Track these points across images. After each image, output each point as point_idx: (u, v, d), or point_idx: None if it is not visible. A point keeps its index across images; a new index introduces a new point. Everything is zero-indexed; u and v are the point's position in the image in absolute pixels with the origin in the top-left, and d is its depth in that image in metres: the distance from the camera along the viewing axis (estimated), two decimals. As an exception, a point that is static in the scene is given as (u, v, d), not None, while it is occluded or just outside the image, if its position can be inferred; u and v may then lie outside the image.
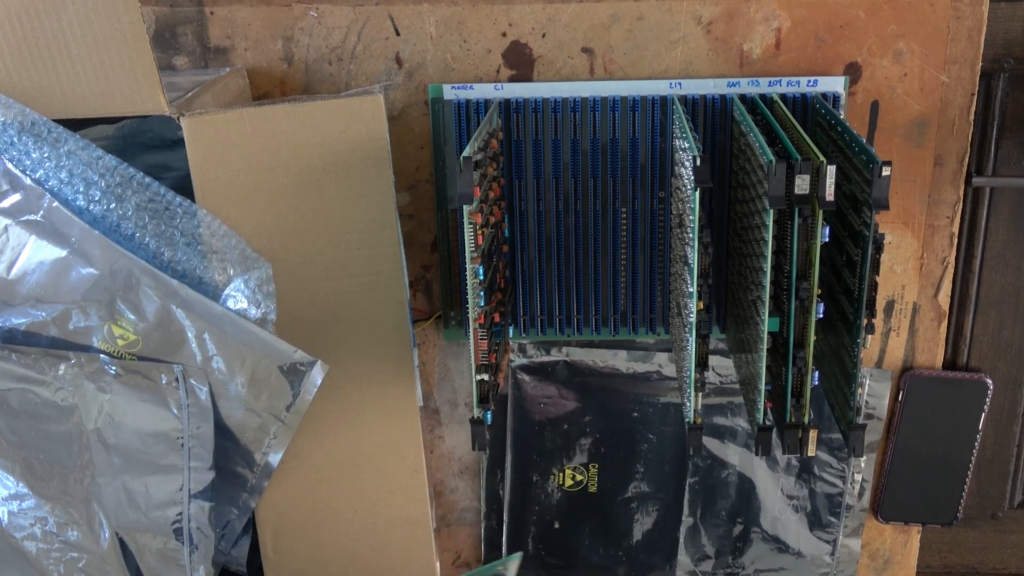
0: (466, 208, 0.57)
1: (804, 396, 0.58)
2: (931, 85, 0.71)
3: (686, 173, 0.59)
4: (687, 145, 0.58)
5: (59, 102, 0.61)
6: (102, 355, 0.64)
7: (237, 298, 0.65)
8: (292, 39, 0.71)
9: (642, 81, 0.71)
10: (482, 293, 0.59)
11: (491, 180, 0.65)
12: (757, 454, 0.59)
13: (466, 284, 0.58)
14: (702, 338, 0.57)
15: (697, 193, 0.55)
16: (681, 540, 0.83)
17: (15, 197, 0.63)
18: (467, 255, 0.58)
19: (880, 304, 0.76)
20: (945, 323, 0.77)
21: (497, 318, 0.63)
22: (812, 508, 0.82)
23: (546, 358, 0.78)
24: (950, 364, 0.80)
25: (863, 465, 0.81)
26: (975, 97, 0.71)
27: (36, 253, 0.64)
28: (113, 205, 0.63)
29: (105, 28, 0.60)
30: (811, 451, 0.58)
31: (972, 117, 0.72)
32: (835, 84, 0.70)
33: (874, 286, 0.56)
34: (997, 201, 0.76)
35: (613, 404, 0.79)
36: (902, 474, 0.80)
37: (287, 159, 0.64)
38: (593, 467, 0.81)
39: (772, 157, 0.54)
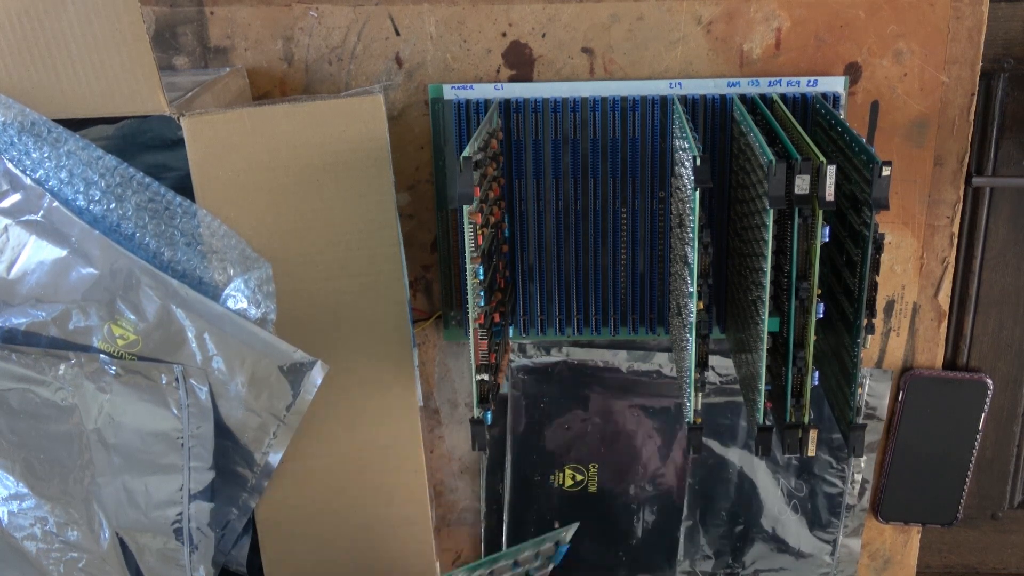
0: (466, 208, 0.57)
1: (804, 396, 0.58)
2: (931, 85, 0.71)
3: (686, 173, 0.59)
4: (687, 145, 0.58)
5: (59, 102, 0.61)
6: (102, 355, 0.64)
7: (237, 298, 0.65)
8: (292, 39, 0.71)
9: (642, 81, 0.71)
10: (482, 293, 0.59)
11: (491, 180, 0.65)
12: (757, 454, 0.59)
13: (466, 284, 0.58)
14: (702, 338, 0.57)
15: (697, 193, 0.55)
16: (681, 540, 0.83)
17: (15, 197, 0.63)
18: (467, 255, 0.58)
19: (880, 304, 0.76)
20: (945, 323, 0.77)
21: (497, 318, 0.63)
22: (812, 508, 0.82)
23: (546, 358, 0.78)
24: (950, 364, 0.80)
25: (863, 465, 0.81)
26: (975, 97, 0.71)
27: (36, 253, 0.64)
28: (113, 205, 0.63)
29: (105, 28, 0.60)
30: (811, 451, 0.58)
31: (972, 117, 0.72)
32: (835, 84, 0.70)
33: (874, 286, 0.56)
34: (997, 201, 0.76)
35: (613, 404, 0.79)
36: (902, 474, 0.80)
37: (287, 159, 0.64)
38: (593, 467, 0.81)
39: (772, 157, 0.54)
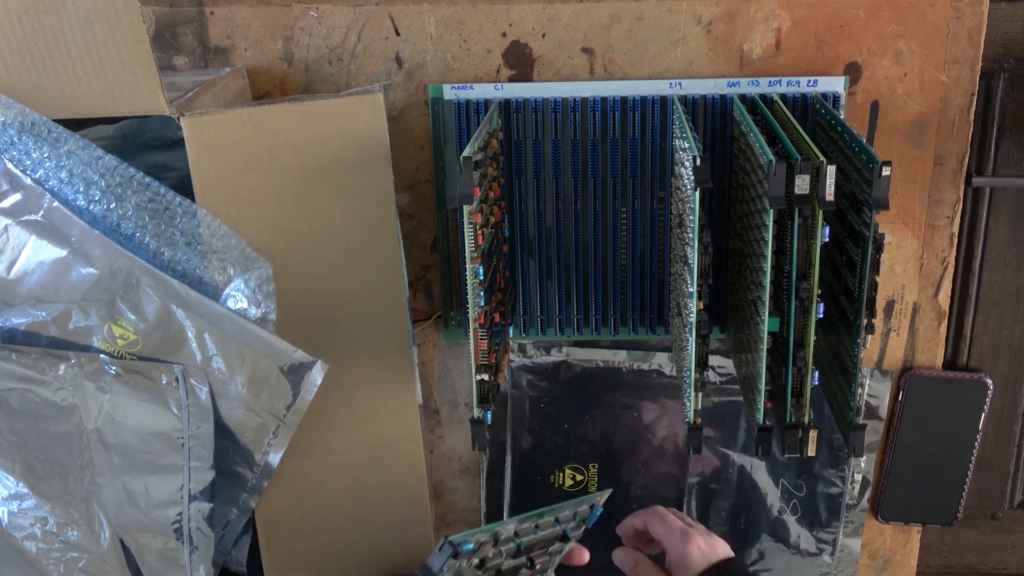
0: (466, 208, 0.57)
1: (804, 396, 0.58)
2: (931, 85, 0.71)
3: (686, 173, 0.59)
4: (687, 145, 0.58)
5: (59, 102, 0.61)
6: (102, 355, 0.64)
7: (237, 298, 0.65)
8: (292, 39, 0.71)
9: (642, 81, 0.71)
10: (482, 293, 0.59)
11: (491, 180, 0.65)
12: (757, 454, 0.59)
13: (466, 284, 0.58)
14: (702, 338, 0.57)
15: (697, 193, 0.55)
16: (681, 540, 0.83)
17: (15, 197, 0.63)
18: (467, 255, 0.58)
19: (880, 304, 0.76)
20: (945, 323, 0.77)
21: (497, 318, 0.63)
22: (812, 508, 0.82)
23: (546, 358, 0.78)
24: (950, 364, 0.80)
25: (863, 465, 0.81)
26: (975, 97, 0.71)
27: (36, 253, 0.64)
28: (113, 205, 0.63)
29: (105, 28, 0.60)
30: (811, 451, 0.58)
31: (972, 117, 0.72)
32: (835, 84, 0.70)
33: (874, 286, 0.56)
34: (997, 201, 0.76)
35: (613, 404, 0.79)
36: (902, 474, 0.80)
37: (287, 159, 0.64)
38: (593, 467, 0.81)
39: (772, 157, 0.54)
